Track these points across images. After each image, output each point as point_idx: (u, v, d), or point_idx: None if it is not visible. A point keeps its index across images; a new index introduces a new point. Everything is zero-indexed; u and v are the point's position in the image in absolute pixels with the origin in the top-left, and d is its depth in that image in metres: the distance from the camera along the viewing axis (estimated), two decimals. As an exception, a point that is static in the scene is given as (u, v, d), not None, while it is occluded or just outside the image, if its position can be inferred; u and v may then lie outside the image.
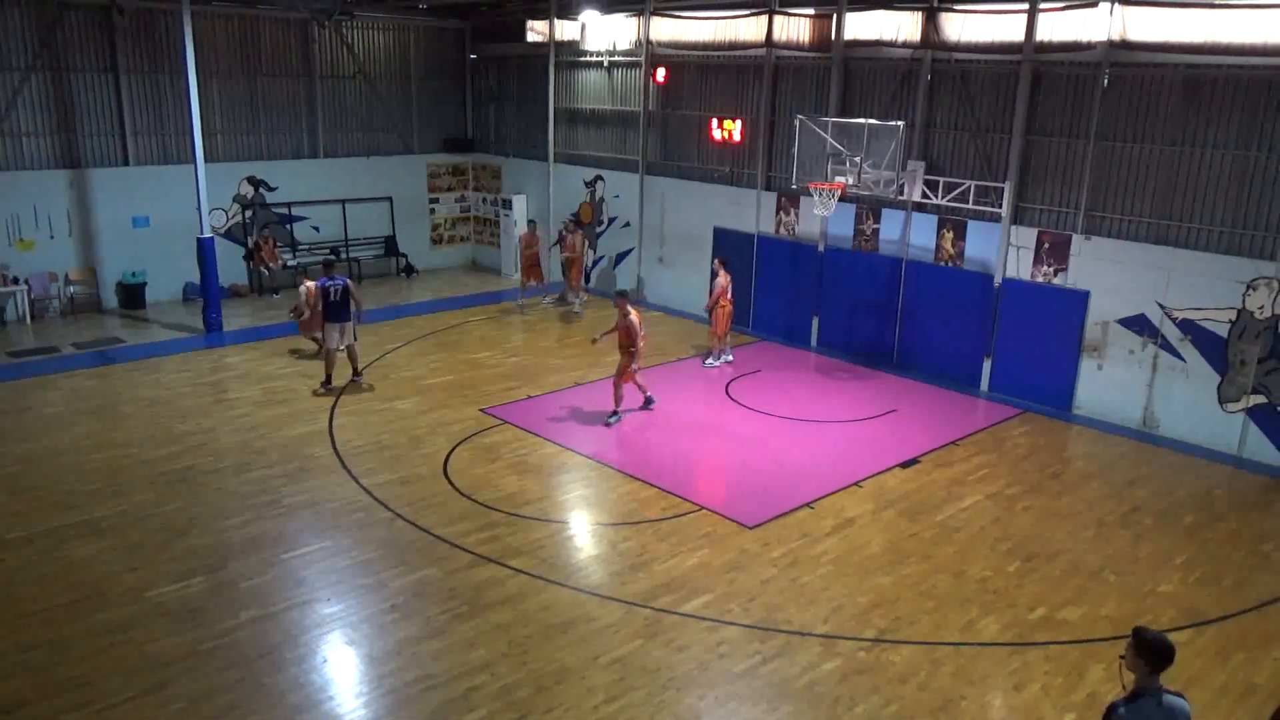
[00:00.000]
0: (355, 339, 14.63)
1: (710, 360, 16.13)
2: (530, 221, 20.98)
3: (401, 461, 11.89)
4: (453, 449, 12.28)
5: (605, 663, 7.83)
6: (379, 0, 19.06)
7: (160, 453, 12.09)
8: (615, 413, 13.38)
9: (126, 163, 19.11)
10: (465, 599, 8.77)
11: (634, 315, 13.22)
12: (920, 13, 15.09)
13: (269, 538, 9.92)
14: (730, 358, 16.29)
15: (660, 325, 18.59)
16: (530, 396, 14.26)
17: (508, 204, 22.86)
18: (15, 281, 17.89)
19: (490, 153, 24.11)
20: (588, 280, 21.35)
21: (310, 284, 15.34)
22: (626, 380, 13.35)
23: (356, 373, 14.72)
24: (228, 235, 20.25)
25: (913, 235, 15.86)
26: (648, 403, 13.81)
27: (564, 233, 20.10)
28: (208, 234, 17.50)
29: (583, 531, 10.42)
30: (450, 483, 11.25)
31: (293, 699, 7.37)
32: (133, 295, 19.10)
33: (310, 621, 8.44)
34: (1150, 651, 4.84)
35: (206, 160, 17.28)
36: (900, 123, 14.23)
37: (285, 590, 8.92)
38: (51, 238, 18.34)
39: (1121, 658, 4.98)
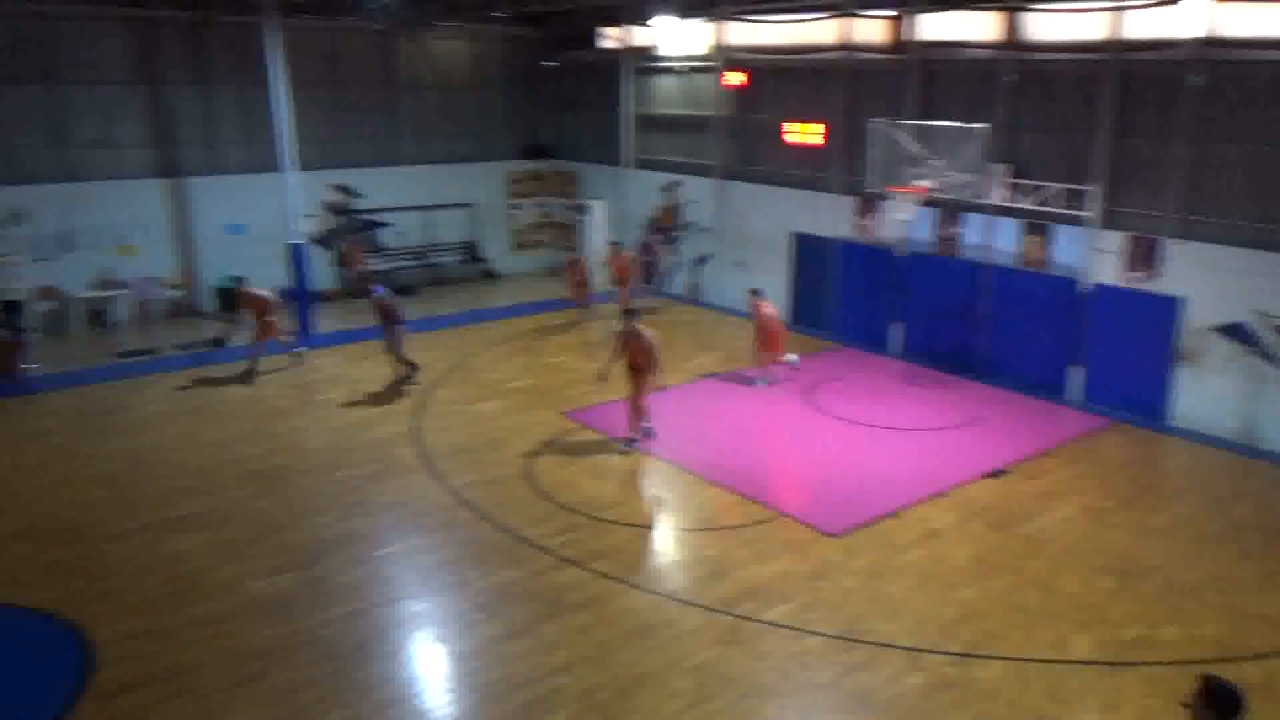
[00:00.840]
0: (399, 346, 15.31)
1: (761, 381, 15.26)
2: (614, 243, 20.31)
3: (484, 463, 12.08)
4: (534, 452, 12.43)
5: (686, 668, 7.84)
6: (457, 10, 19.44)
7: (254, 451, 12.50)
8: (648, 427, 12.78)
9: (221, 172, 19.82)
10: (548, 600, 8.87)
11: (650, 334, 12.50)
12: (1001, 12, 14.80)
13: (358, 535, 10.18)
14: (770, 381, 15.26)
15: (742, 329, 18.55)
16: (610, 401, 14.36)
17: (586, 209, 23.06)
18: (120, 286, 18.70)
19: (568, 159, 24.36)
20: (666, 284, 21.44)
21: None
22: (641, 400, 12.60)
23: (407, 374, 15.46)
24: (318, 241, 20.82)
25: (995, 239, 15.55)
26: (645, 432, 12.84)
27: (647, 241, 20.21)
28: (298, 240, 18.04)
29: (664, 536, 10.46)
30: (532, 485, 11.39)
31: (381, 693, 7.56)
32: (228, 299, 19.75)
33: (398, 618, 8.64)
34: (1220, 703, 4.48)
35: (297, 169, 17.83)
36: (982, 125, 13.97)
37: (374, 587, 9.15)
38: (153, 245, 19.12)
39: (1185, 706, 4.57)
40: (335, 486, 11.44)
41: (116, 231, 18.71)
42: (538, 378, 15.63)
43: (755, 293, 15.31)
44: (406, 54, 22.11)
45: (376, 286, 15.39)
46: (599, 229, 22.57)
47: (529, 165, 24.41)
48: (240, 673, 7.77)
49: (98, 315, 18.72)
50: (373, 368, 15.94)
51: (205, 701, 7.41)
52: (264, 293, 15.70)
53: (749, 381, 15.26)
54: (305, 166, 18.37)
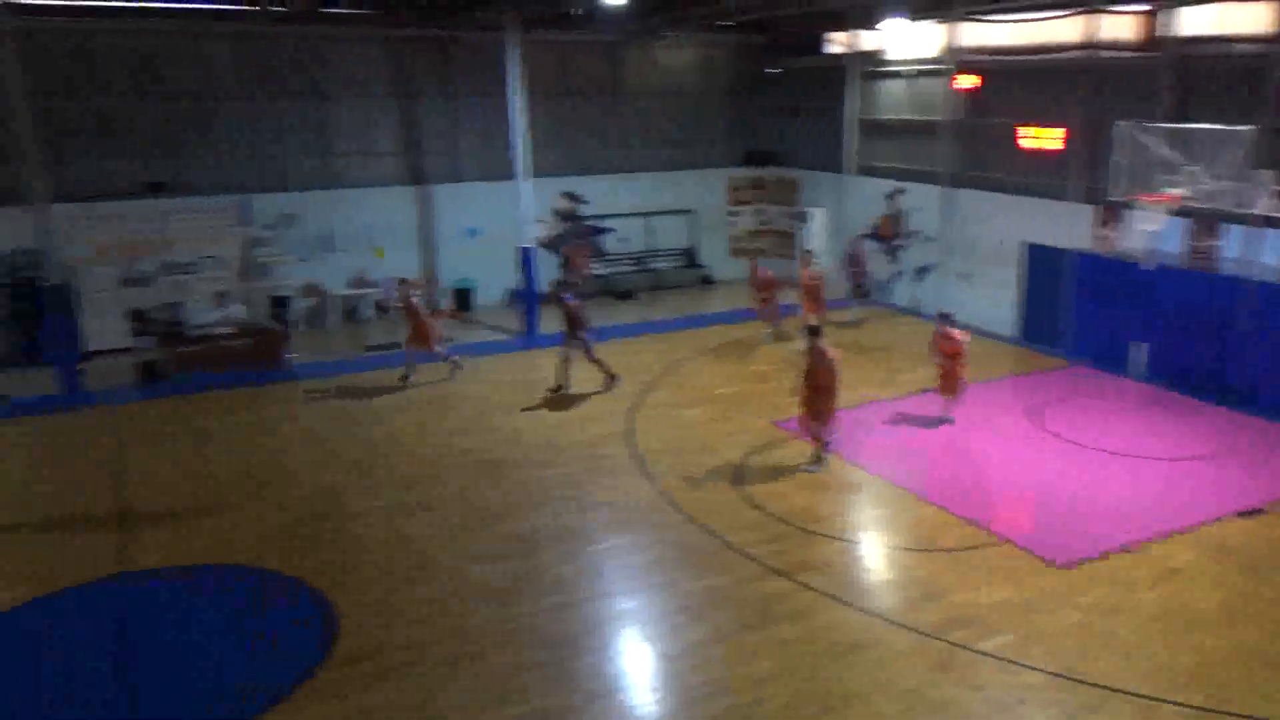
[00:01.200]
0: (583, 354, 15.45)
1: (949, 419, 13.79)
2: (806, 252, 19.70)
3: (694, 467, 12.25)
4: (744, 459, 12.48)
5: (895, 692, 7.64)
6: (685, 20, 19.83)
7: (480, 443, 13.28)
8: (824, 451, 12.20)
9: (461, 179, 21.21)
10: (753, 609, 8.89)
11: (831, 353, 11.90)
12: (1274, 2, 13.37)
13: (572, 530, 10.60)
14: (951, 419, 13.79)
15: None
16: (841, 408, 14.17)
17: (805, 216, 22.86)
18: (371, 285, 20.39)
19: (788, 166, 24.25)
20: (886, 295, 20.93)
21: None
22: (814, 423, 12.06)
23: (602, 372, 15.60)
24: (546, 245, 21.82)
25: (1261, 253, 14.07)
26: (818, 459, 12.23)
27: (853, 251, 19.71)
28: (528, 244, 18.98)
29: (874, 553, 10.23)
30: (741, 492, 11.44)
31: (589, 685, 7.84)
32: (463, 299, 21.13)
33: (608, 614, 8.93)
34: None
35: (529, 176, 18.78)
36: (1248, 128, 12.68)
37: (587, 581, 9.50)
38: (400, 247, 20.71)
39: None
40: (551, 481, 11.96)
41: (371, 234, 20.40)
42: (749, 385, 15.67)
43: (944, 317, 13.83)
44: (634, 63, 22.77)
45: (567, 294, 15.65)
46: (818, 236, 22.33)
47: (750, 172, 24.51)
48: (462, 651, 8.28)
49: (351, 311, 20.50)
50: (589, 368, 16.51)
51: (430, 675, 7.97)
52: (418, 301, 16.07)
53: (940, 420, 13.70)
54: (537, 174, 19.32)
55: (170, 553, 10.21)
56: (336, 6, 19.42)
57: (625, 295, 22.52)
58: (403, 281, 16.74)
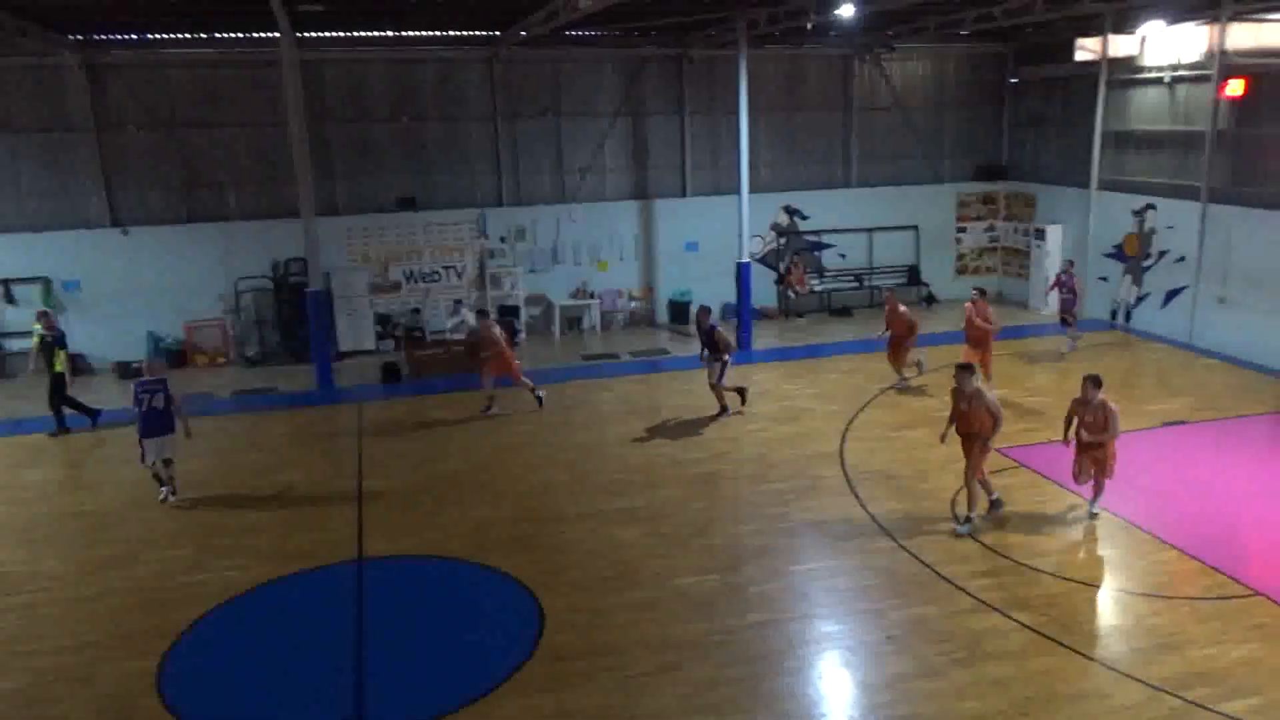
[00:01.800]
0: (719, 378, 14.83)
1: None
2: (977, 290, 16.80)
3: (908, 493, 11.84)
4: (962, 486, 11.91)
5: (1119, 748, 7.05)
6: (921, 30, 19.26)
7: (689, 455, 13.44)
8: (969, 519, 10.76)
9: (684, 194, 21.61)
10: (963, 644, 8.47)
11: (991, 395, 10.76)
12: None
13: (778, 548, 10.51)
14: None
15: (1215, 375, 16.24)
16: (1052, 441, 13.28)
17: (1040, 234, 21.58)
18: (591, 296, 21.16)
19: (1025, 180, 22.97)
20: (1128, 319, 19.42)
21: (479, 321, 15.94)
22: (979, 474, 10.75)
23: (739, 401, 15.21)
24: (762, 260, 21.83)
25: None
26: (995, 505, 11.04)
27: (1062, 275, 18.20)
28: (745, 259, 19.05)
29: (1103, 596, 9.48)
30: (957, 521, 10.92)
31: (785, 706, 7.73)
32: (679, 312, 21.49)
33: (810, 636, 8.78)
34: None
35: (750, 191, 18.85)
36: None
37: (789, 601, 9.38)
38: (620, 259, 21.37)
39: None
40: (760, 497, 11.92)
41: (595, 247, 21.17)
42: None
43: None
44: (864, 76, 22.36)
45: (713, 321, 15.18)
46: (1055, 255, 21.01)
47: (981, 187, 23.44)
48: (662, 660, 8.40)
49: (574, 321, 21.34)
50: (804, 385, 16.35)
51: (631, 680, 8.13)
52: (496, 329, 15.62)
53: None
54: (759, 189, 19.38)
55: (398, 542, 11.00)
56: (574, 29, 20.34)
57: (843, 312, 22.12)
58: (481, 312, 17.03)
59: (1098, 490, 10.96)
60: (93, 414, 15.34)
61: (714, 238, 20.99)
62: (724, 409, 15.08)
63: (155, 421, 11.94)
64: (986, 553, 10.16)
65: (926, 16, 18.37)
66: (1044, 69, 21.92)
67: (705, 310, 15.24)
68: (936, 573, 9.76)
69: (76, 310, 18.68)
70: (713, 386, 15.02)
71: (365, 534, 11.25)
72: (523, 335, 20.33)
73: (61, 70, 18.07)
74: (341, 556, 10.69)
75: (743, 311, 19.23)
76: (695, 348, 17.96)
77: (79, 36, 17.56)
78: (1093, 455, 10.76)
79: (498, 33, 19.00)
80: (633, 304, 21.61)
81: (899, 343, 16.13)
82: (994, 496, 11.06)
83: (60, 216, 18.65)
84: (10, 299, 18.25)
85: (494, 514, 11.69)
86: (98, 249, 18.68)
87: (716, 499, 11.95)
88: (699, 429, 14.51)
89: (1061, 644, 8.41)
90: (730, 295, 20.19)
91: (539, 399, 15.65)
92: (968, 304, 15.72)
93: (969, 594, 9.30)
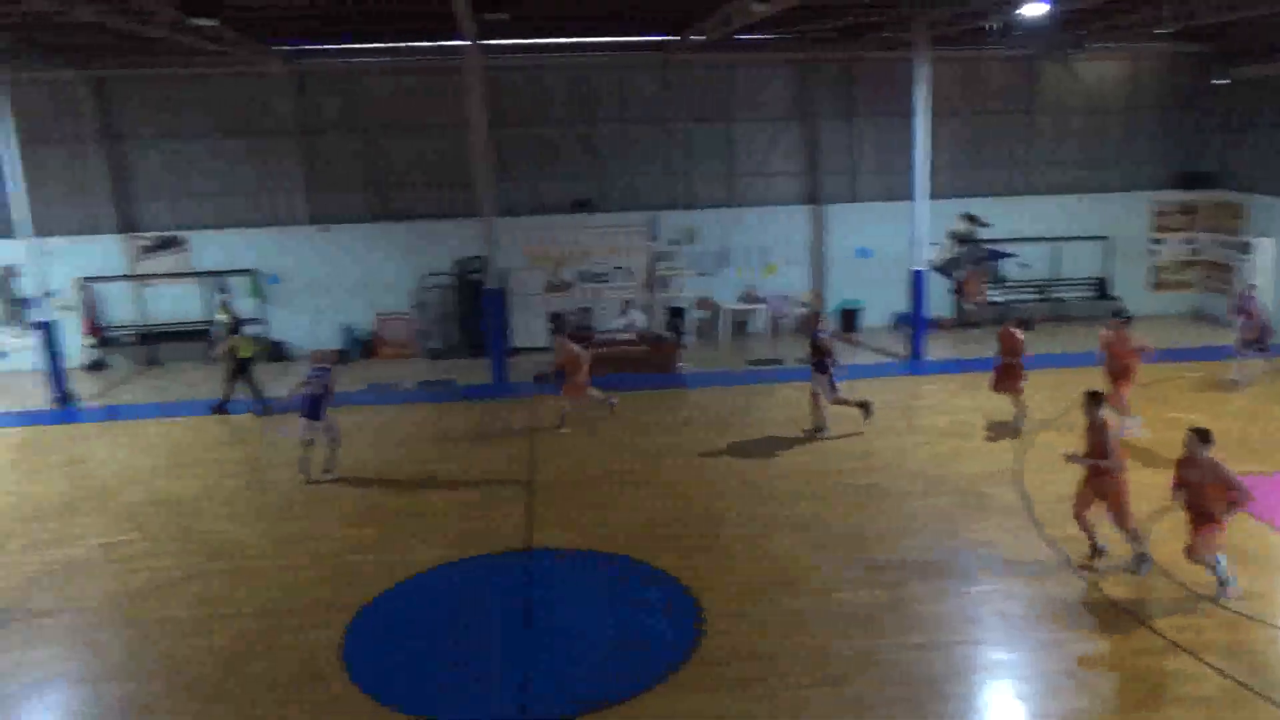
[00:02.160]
0: (830, 392, 14.19)
1: None
2: (1117, 315, 15.48)
3: (1090, 518, 11.15)
4: (1152, 515, 11.14)
5: (1327, 815, 6.43)
6: (1115, 30, 18.09)
7: (852, 465, 13.17)
8: (1145, 556, 9.81)
9: (856, 199, 21.19)
10: (1149, 685, 7.95)
11: (1110, 423, 9.80)
12: None
13: (945, 567, 10.15)
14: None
15: None
16: (1256, 474, 12.25)
17: (1249, 247, 19.93)
18: (760, 301, 21.06)
19: (1233, 189, 21.26)
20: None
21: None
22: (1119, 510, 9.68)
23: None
24: (940, 269, 21.11)
25: None
26: (1141, 561, 9.81)
27: (1244, 297, 16.51)
28: (920, 267, 18.49)
29: (1312, 647, 8.67)
30: (1136, 561, 10.22)
31: (951, 733, 7.47)
32: (849, 319, 21.10)
33: (979, 663, 8.44)
34: None
35: (927, 197, 18.28)
36: None
37: (957, 624, 9.05)
38: (790, 265, 21.17)
39: None
40: (927, 513, 11.55)
41: (763, 252, 21.07)
42: (1160, 433, 13.93)
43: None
44: (1050, 78, 21.30)
45: (819, 330, 14.58)
46: (1266, 271, 19.36)
47: (1180, 195, 21.88)
48: (821, 674, 8.27)
49: (741, 326, 21.31)
50: (979, 399, 15.71)
51: (787, 691, 8.04)
52: (576, 348, 15.25)
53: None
54: (936, 195, 18.76)
55: (564, 535, 11.29)
56: (746, 34, 20.30)
57: (1024, 325, 21.05)
58: (559, 329, 17.09)
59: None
60: (264, 401, 16.39)
61: (888, 244, 20.47)
62: (818, 429, 14.44)
63: (309, 405, 13.01)
64: (1181, 589, 9.46)
65: (1118, 15, 17.27)
66: (1256, 68, 20.21)
67: (815, 316, 14.80)
68: (1122, 607, 9.18)
69: (277, 302, 20.16)
70: (816, 398, 14.40)
71: (534, 524, 11.61)
72: (690, 338, 20.46)
73: (268, 79, 19.51)
74: (511, 545, 11.08)
75: (917, 321, 18.67)
76: (864, 357, 17.63)
77: (285, 47, 18.90)
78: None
79: (671, 37, 19.16)
80: (801, 309, 21.34)
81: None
82: (1142, 550, 9.86)
83: (265, 214, 20.17)
84: (223, 289, 19.85)
85: (656, 513, 11.82)
86: (298, 245, 20.10)
87: (881, 512, 11.66)
88: (865, 439, 14.19)
89: (1261, 695, 7.75)
90: (903, 304, 19.65)
91: (611, 405, 15.51)
92: (1107, 332, 14.23)
93: (1158, 633, 8.70)
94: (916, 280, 18.50)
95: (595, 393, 15.26)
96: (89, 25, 13.71)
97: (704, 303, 21.13)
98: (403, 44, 19.35)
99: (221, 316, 18.46)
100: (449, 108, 19.64)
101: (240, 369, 16.28)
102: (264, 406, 16.28)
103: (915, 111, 17.84)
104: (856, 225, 21.09)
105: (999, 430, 14.38)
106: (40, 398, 17.55)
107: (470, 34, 15.66)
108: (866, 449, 13.82)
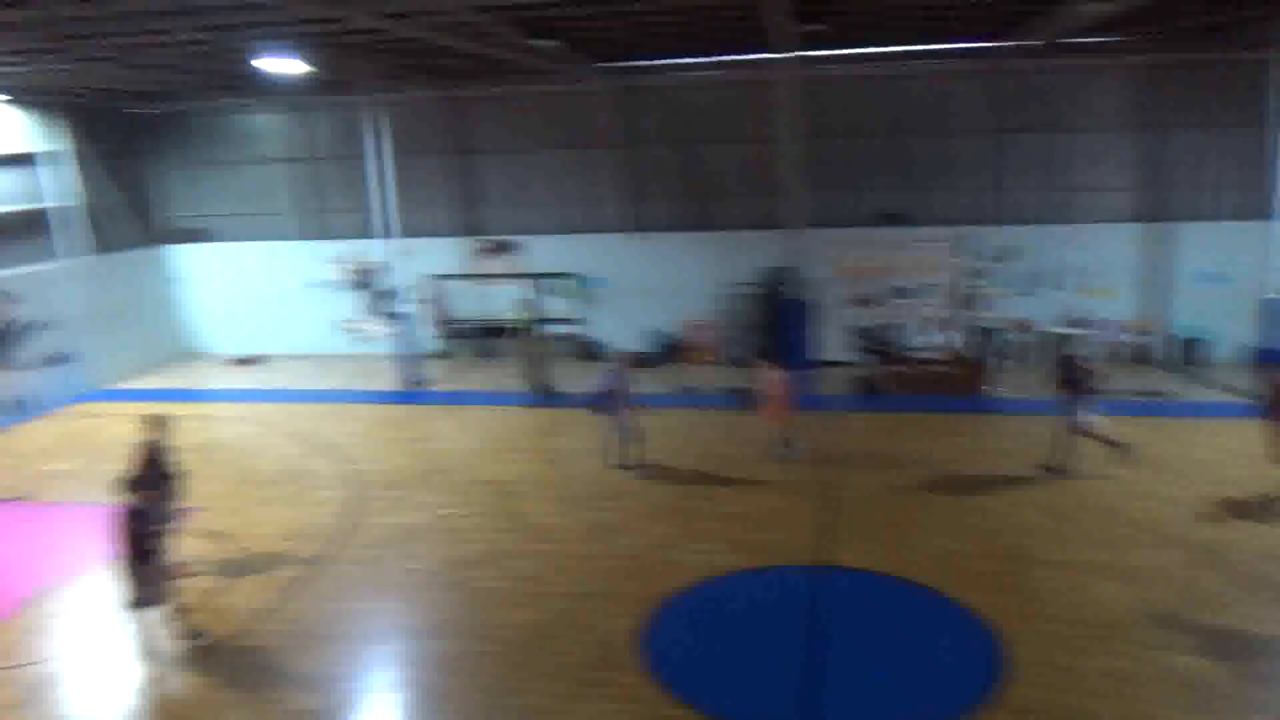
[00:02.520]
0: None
1: None
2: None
3: None
4: None
5: None
6: None
7: (1185, 513, 11.89)
8: None
9: (1201, 218, 19.01)
10: None
11: None
12: None
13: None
14: None
15: None
16: None
17: None
18: (1086, 325, 19.40)
19: None
20: None
21: None
22: None
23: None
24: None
25: None
26: None
27: None
28: (1273, 295, 16.27)
29: None
30: None
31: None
32: (1190, 350, 18.99)
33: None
34: None
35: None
36: None
37: (1315, 710, 7.93)
38: (1120, 288, 19.39)
39: None
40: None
41: (1085, 272, 19.47)
42: None
43: None
44: None
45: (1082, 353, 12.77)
46: None
47: None
48: (1142, 740, 7.58)
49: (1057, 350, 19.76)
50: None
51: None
52: (776, 374, 14.22)
53: None
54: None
55: (863, 556, 11.13)
56: (1076, 37, 18.80)
57: None
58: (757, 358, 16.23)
59: None
60: (552, 394, 18.11)
61: (1242, 269, 18.21)
62: (1051, 466, 13.39)
63: (601, 401, 14.25)
64: None
65: None
66: None
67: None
68: None
69: (597, 304, 21.47)
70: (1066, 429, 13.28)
71: (834, 541, 11.55)
72: (1002, 361, 19.30)
73: (592, 95, 20.77)
74: (808, 559, 11.10)
75: (1270, 356, 16.43)
76: (1208, 394, 15.91)
77: (609, 64, 20.01)
78: None
79: (992, 44, 18.15)
80: (1142, 337, 19.39)
81: None
82: None
83: (589, 221, 21.54)
84: (540, 290, 21.46)
85: (961, 545, 11.34)
86: (617, 251, 21.28)
87: (1227, 571, 10.41)
88: (1212, 486, 12.73)
89: None
90: (1253, 335, 17.42)
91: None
92: None
93: None
94: (1271, 310, 16.29)
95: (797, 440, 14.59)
96: (451, 50, 15.33)
97: (1020, 324, 19.86)
98: (721, 57, 19.82)
99: (523, 314, 20.11)
100: (764, 119, 19.90)
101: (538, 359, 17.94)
102: (545, 395, 18.00)
103: (1266, 120, 15.63)
104: (1203, 246, 18.91)
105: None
106: (393, 380, 19.89)
107: (783, 47, 15.74)
108: (1213, 497, 12.37)
